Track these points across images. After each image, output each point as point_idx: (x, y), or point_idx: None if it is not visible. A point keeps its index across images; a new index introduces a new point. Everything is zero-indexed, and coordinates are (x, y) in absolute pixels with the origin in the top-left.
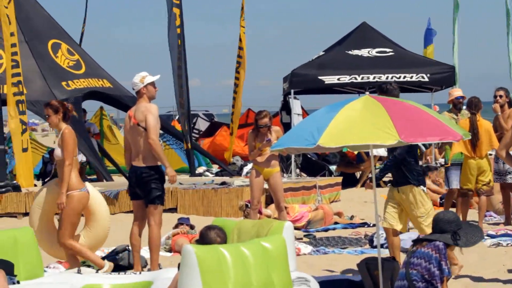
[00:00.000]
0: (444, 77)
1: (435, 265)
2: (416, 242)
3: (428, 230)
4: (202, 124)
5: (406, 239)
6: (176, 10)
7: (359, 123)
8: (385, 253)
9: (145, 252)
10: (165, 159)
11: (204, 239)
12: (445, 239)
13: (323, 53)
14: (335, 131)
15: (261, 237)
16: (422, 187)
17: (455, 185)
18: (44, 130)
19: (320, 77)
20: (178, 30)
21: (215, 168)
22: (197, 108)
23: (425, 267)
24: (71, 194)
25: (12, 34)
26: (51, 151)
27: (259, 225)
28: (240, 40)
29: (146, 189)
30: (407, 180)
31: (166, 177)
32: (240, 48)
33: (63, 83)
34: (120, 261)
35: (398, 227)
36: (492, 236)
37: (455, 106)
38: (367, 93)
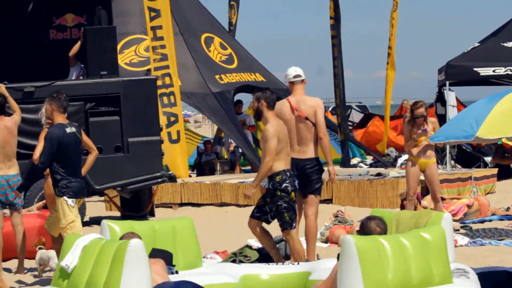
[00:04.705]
0: None
1: None
2: None
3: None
4: (356, 116)
5: None
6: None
7: None
8: None
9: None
10: (330, 156)
11: (364, 228)
12: None
13: (478, 44)
14: (493, 122)
15: (420, 228)
16: (65, 197)
17: None
18: (196, 122)
19: (475, 69)
20: (331, 22)
21: (369, 159)
22: (351, 100)
23: None
24: None
25: (159, 27)
26: (205, 142)
27: (418, 216)
28: (391, 31)
29: (307, 180)
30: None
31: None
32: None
33: (217, 77)
34: None
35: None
36: None
37: None
38: None
